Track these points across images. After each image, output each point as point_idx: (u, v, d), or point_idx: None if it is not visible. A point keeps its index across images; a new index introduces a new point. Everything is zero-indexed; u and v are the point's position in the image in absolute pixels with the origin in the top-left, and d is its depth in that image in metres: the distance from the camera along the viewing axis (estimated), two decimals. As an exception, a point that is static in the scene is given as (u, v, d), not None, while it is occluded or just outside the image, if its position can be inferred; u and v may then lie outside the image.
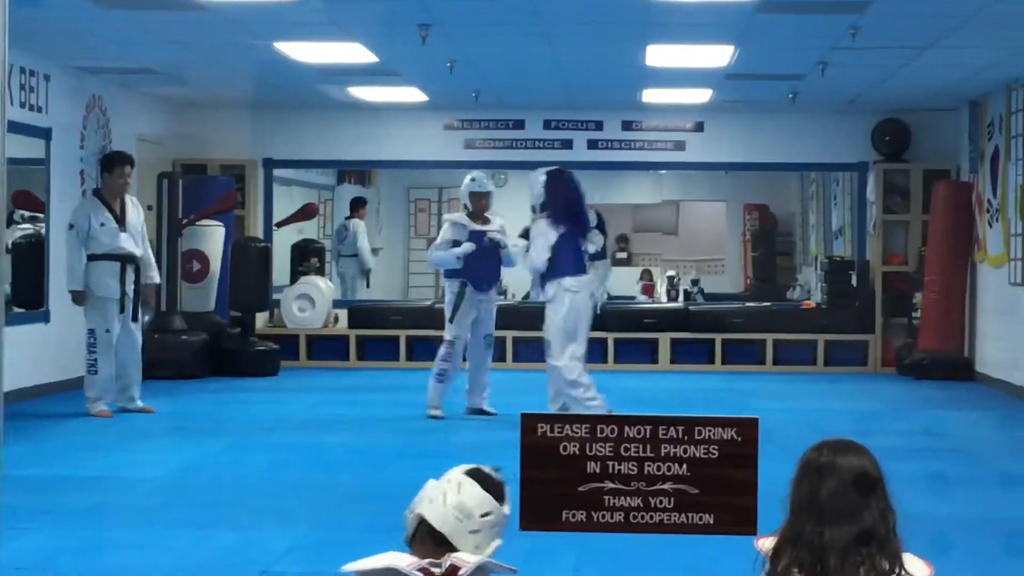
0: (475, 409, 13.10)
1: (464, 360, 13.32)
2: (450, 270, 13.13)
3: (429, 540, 4.02)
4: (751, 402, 14.51)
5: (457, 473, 4.06)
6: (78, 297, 12.80)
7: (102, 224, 12.78)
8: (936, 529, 7.51)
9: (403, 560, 3.92)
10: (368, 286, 21.78)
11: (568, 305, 11.95)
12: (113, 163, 13.10)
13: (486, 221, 13.14)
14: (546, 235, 12.05)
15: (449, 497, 3.99)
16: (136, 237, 13.03)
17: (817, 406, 14.36)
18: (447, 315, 13.13)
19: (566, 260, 12.04)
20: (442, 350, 13.08)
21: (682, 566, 6.87)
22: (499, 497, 4.01)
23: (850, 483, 3.82)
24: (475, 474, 4.05)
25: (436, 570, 3.89)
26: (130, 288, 12.91)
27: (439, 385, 13.01)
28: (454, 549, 3.98)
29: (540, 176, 12.31)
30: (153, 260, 13.41)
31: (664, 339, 17.94)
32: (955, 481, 9.89)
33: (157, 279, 13.47)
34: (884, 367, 17.87)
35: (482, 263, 13.04)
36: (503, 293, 14.50)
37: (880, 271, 18.20)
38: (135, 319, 13.03)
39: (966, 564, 6.97)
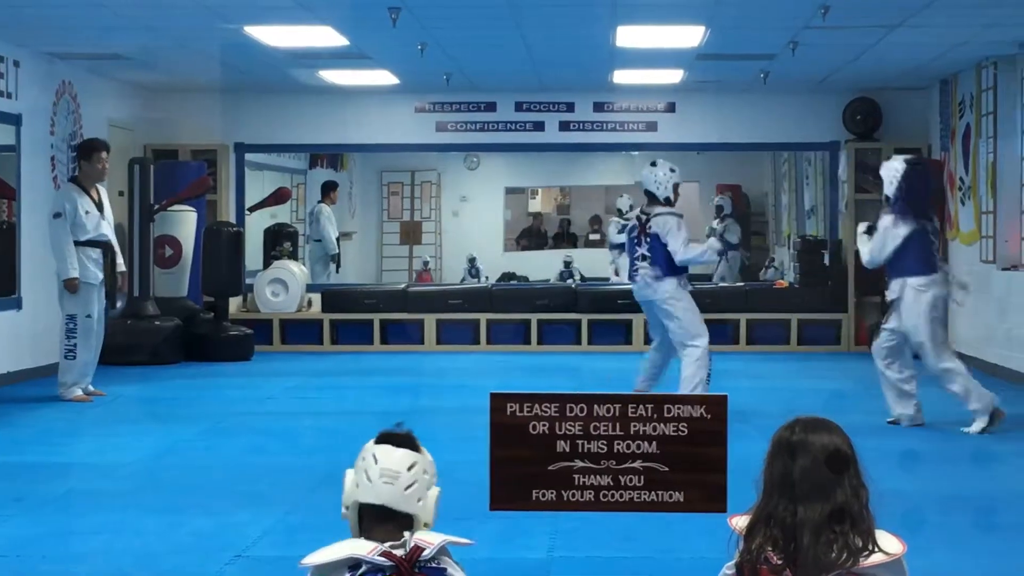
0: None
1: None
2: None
3: (377, 522, 4.01)
4: (724, 381, 14.45)
5: (367, 448, 4.07)
6: (72, 285, 12.64)
7: (87, 212, 12.72)
8: (909, 506, 7.55)
9: (363, 547, 3.92)
10: (337, 271, 21.72)
11: (923, 304, 11.14)
12: (91, 150, 13.01)
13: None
14: (888, 233, 11.20)
15: (371, 471, 4.00)
16: (111, 225, 13.01)
17: (790, 385, 14.40)
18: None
19: (914, 257, 11.23)
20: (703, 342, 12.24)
21: (656, 545, 6.87)
22: (414, 446, 4.05)
23: (822, 461, 3.84)
24: (383, 438, 4.08)
25: (398, 551, 3.89)
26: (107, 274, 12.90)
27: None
28: (405, 523, 3.98)
29: (899, 165, 11.37)
30: (118, 248, 13.34)
31: (638, 320, 17.91)
32: (927, 458, 9.93)
33: (123, 268, 13.41)
34: (857, 346, 17.90)
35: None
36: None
37: (852, 250, 18.18)
38: (113, 305, 13.01)
39: (938, 540, 6.99)
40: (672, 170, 12.23)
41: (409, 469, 4.00)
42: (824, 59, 15.42)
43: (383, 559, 3.87)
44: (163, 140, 18.36)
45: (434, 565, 3.92)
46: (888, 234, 11.22)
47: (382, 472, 3.98)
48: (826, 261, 18.54)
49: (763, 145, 19.95)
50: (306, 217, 22.52)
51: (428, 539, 3.94)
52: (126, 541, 7.23)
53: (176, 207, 16.69)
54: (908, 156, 11.88)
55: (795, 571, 3.77)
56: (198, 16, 12.80)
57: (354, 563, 3.89)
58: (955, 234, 16.70)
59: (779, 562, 3.78)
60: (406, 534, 3.95)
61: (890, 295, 11.36)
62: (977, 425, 10.94)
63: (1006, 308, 14.95)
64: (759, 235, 25.85)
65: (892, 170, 11.35)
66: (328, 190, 21.68)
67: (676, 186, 12.26)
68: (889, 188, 11.32)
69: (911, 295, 11.18)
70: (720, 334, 17.99)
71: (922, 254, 11.32)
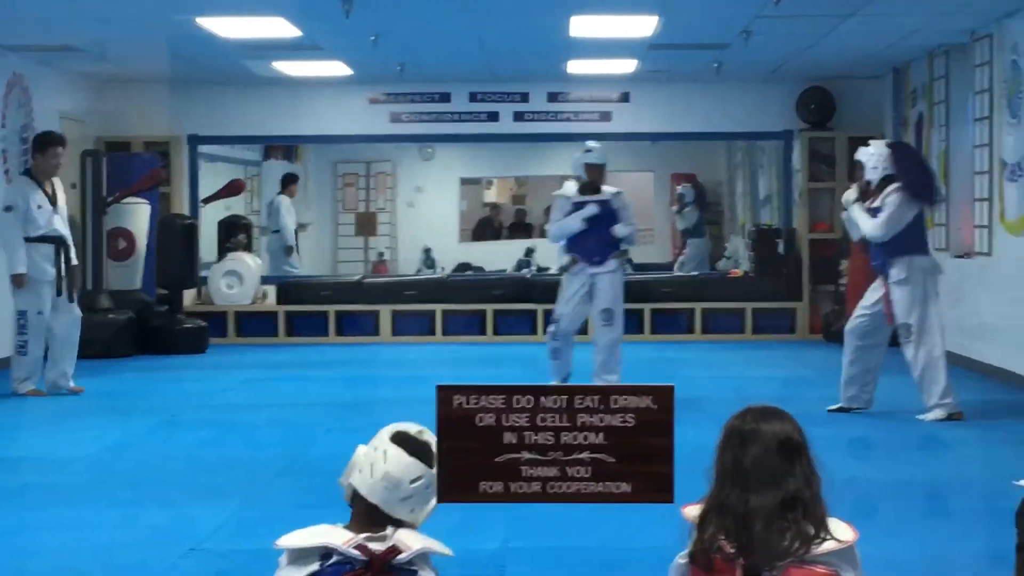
0: None
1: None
2: (565, 244, 12.51)
3: (364, 511, 4.01)
4: (680, 371, 14.58)
5: (384, 439, 4.04)
6: (19, 280, 12.49)
7: (39, 206, 12.55)
8: (860, 493, 7.59)
9: (339, 537, 3.90)
10: (298, 264, 21.66)
11: (917, 284, 11.06)
12: (46, 143, 12.82)
13: (598, 193, 12.44)
14: (906, 208, 11.03)
15: (376, 468, 3.98)
16: (65, 218, 12.90)
17: (745, 373, 14.44)
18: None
19: (918, 237, 11.20)
20: (550, 327, 12.62)
21: (610, 534, 6.89)
22: (427, 459, 4.00)
23: (774, 449, 3.85)
24: (400, 439, 4.04)
25: (374, 545, 3.88)
26: (63, 269, 12.74)
27: (552, 363, 12.44)
28: (392, 521, 3.97)
29: (880, 148, 11.30)
30: (71, 242, 13.13)
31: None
32: (878, 444, 9.99)
33: (75, 262, 13.26)
34: (812, 334, 17.98)
35: (589, 234, 12.38)
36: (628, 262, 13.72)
37: (807, 238, 18.30)
38: (71, 299, 12.87)
39: (889, 527, 7.03)
40: (587, 150, 12.51)
41: (412, 482, 3.98)
42: (777, 48, 15.47)
43: (356, 552, 3.86)
44: (115, 132, 18.27)
45: (408, 567, 3.92)
46: (902, 211, 11.02)
47: (386, 475, 3.97)
48: (781, 250, 18.60)
49: (717, 135, 19.99)
50: (264, 208, 22.44)
51: (408, 542, 3.93)
52: (81, 535, 7.20)
53: (129, 199, 16.61)
54: (885, 140, 11.85)
55: (748, 560, 3.78)
56: (149, 7, 12.74)
57: (326, 551, 3.88)
58: (908, 222, 16.76)
59: (732, 551, 3.79)
60: (389, 529, 3.94)
61: (893, 276, 11.13)
62: (934, 415, 10.96)
63: (959, 296, 15.02)
64: (714, 224, 25.89)
65: (874, 155, 11.25)
66: (288, 182, 21.60)
67: (587, 165, 12.44)
68: (873, 173, 11.21)
69: (919, 276, 11.09)
70: (675, 323, 18.11)
71: (923, 234, 11.38)
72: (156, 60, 16.34)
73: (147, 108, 18.43)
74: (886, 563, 5.72)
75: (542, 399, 3.82)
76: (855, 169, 11.68)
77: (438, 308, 18.26)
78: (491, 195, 27.91)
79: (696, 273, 20.09)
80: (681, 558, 3.92)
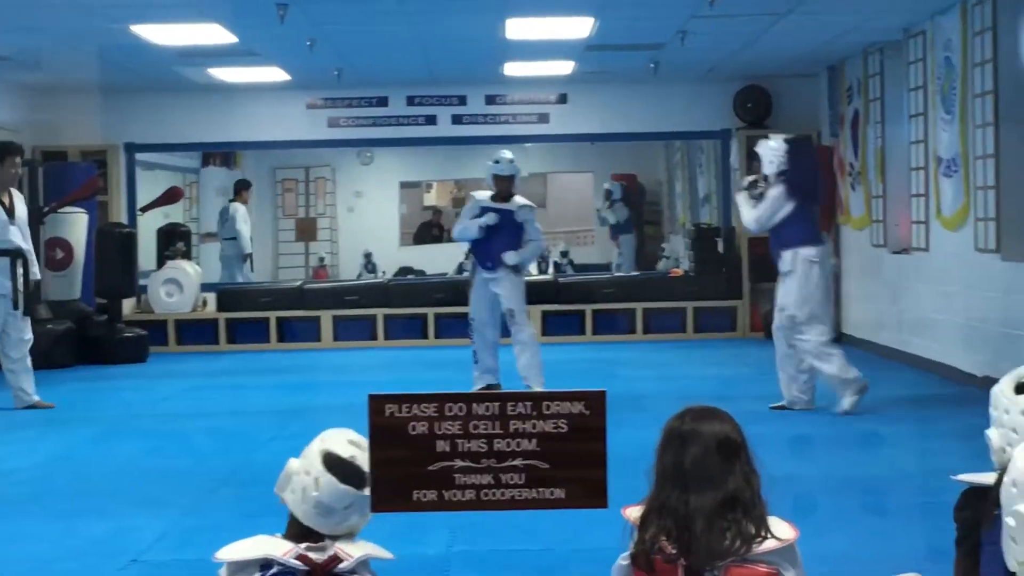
0: (527, 386, 12.33)
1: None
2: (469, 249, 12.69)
3: (299, 523, 3.99)
4: (621, 371, 14.61)
5: (315, 463, 3.99)
6: None
7: None
8: (800, 491, 7.63)
9: (278, 548, 3.89)
10: (252, 270, 21.67)
11: (807, 275, 11.22)
12: (3, 153, 12.51)
13: (507, 202, 12.63)
14: (781, 202, 11.25)
15: (308, 495, 3.95)
16: (24, 231, 12.60)
17: (687, 373, 14.49)
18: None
19: (804, 229, 11.34)
20: (469, 329, 12.76)
21: (554, 537, 6.90)
22: (359, 482, 3.96)
23: (713, 449, 3.86)
24: (332, 463, 3.99)
25: (314, 555, 3.87)
26: (20, 283, 12.28)
27: (475, 364, 12.64)
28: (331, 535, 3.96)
29: (779, 144, 11.47)
30: (34, 256, 12.79)
31: (535, 311, 17.90)
32: (817, 442, 10.03)
33: (38, 275, 12.96)
34: (753, 332, 18.06)
35: (487, 242, 12.52)
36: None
37: (746, 237, 18.33)
38: (26, 314, 12.54)
39: (829, 524, 7.06)
40: (496, 161, 12.66)
41: (346, 507, 3.96)
42: (713, 48, 15.52)
43: (298, 563, 3.84)
44: (51, 142, 18.15)
45: (348, 574, 3.90)
46: (778, 203, 11.27)
47: (318, 503, 3.94)
48: (720, 249, 18.66)
49: (655, 135, 20.04)
50: (218, 216, 22.38)
51: (349, 550, 3.91)
52: (20, 548, 7.14)
53: (66, 209, 16.50)
54: (786, 135, 11.96)
55: (689, 560, 3.79)
56: (80, 16, 12.66)
57: (267, 562, 3.86)
58: (846, 219, 16.88)
59: (673, 551, 3.80)
60: (327, 540, 3.92)
61: (783, 267, 11.36)
62: (848, 401, 11.03)
63: (897, 292, 15.13)
64: (654, 224, 25.98)
65: (771, 149, 11.44)
66: (240, 189, 21.65)
67: (494, 176, 12.64)
68: (770, 167, 11.39)
69: (804, 267, 11.24)
70: (616, 324, 18.15)
71: (811, 226, 11.46)
72: (91, 69, 16.22)
73: (83, 117, 18.29)
74: (827, 560, 5.75)
75: (474, 406, 3.81)
76: (752, 161, 11.87)
77: (379, 313, 18.24)
78: (431, 198, 27.90)
79: (637, 273, 20.12)
80: (623, 559, 3.92)
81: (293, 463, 4.05)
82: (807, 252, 11.27)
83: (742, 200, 11.64)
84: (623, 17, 13.53)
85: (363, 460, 3.96)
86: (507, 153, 12.79)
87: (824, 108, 17.86)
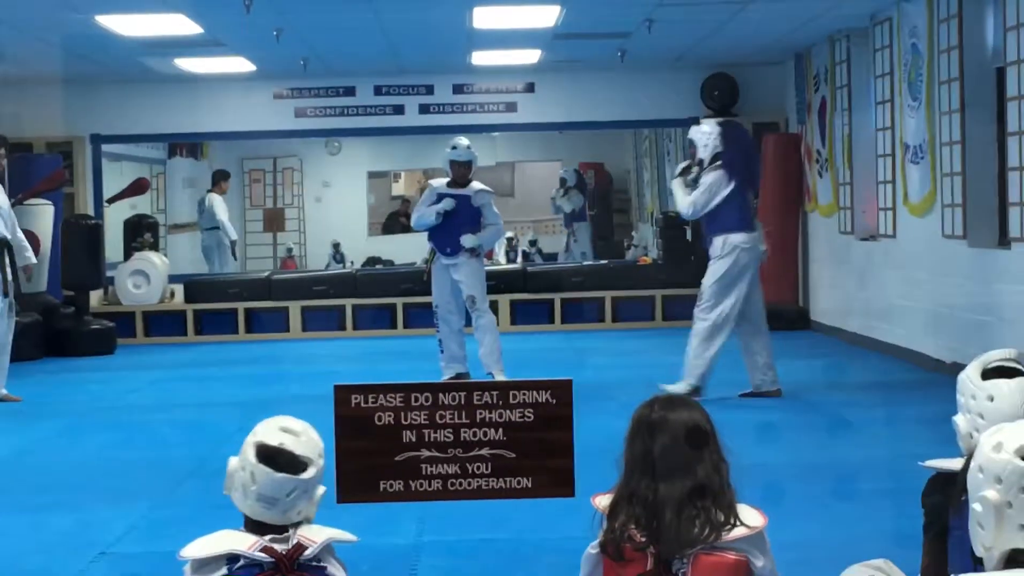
0: (488, 374, 12.48)
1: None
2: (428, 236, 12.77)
3: (257, 521, 3.97)
4: (590, 360, 14.61)
5: (249, 457, 3.96)
6: None
7: None
8: (769, 478, 7.63)
9: (243, 542, 3.87)
10: (236, 258, 21.71)
11: (734, 261, 11.29)
12: None
13: (464, 188, 12.70)
14: (718, 186, 11.28)
15: (248, 491, 3.92)
16: (6, 220, 12.49)
17: (656, 361, 14.44)
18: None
19: (736, 215, 11.36)
20: (434, 318, 12.78)
21: (523, 526, 6.89)
22: (295, 468, 3.93)
23: (682, 438, 3.86)
24: (264, 455, 3.96)
25: (278, 546, 3.85)
26: (8, 272, 12.23)
27: (440, 354, 12.69)
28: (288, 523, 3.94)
29: (712, 127, 11.55)
30: (25, 241, 12.75)
31: (503, 300, 17.93)
32: (786, 428, 10.05)
33: (33, 260, 12.94)
34: (721, 320, 18.06)
35: (445, 228, 12.55)
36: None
37: (714, 225, 18.37)
38: (10, 305, 12.44)
39: (798, 510, 7.09)
40: (453, 147, 12.77)
41: (288, 495, 3.93)
42: (680, 36, 15.52)
43: (263, 555, 3.82)
44: (16, 133, 18.00)
45: (315, 563, 3.89)
46: (715, 189, 11.34)
47: (259, 496, 3.91)
48: (688, 237, 18.68)
49: (623, 123, 20.04)
50: (197, 207, 22.36)
51: (312, 536, 3.89)
52: (-13, 542, 7.12)
53: (32, 201, 16.40)
54: (719, 119, 12.01)
55: (658, 548, 3.79)
56: (45, 6, 12.59)
57: (232, 556, 3.84)
58: (814, 206, 16.91)
59: (643, 540, 3.80)
60: (290, 530, 3.90)
61: (712, 252, 11.44)
62: (678, 386, 10.92)
63: (865, 279, 15.17)
64: (623, 212, 26.00)
65: (704, 134, 11.53)
66: (219, 179, 21.72)
67: (451, 162, 12.75)
68: (704, 151, 11.47)
69: (732, 253, 11.32)
70: (586, 312, 18.15)
71: (744, 212, 11.49)
72: (56, 60, 16.13)
73: (48, 108, 18.20)
74: (796, 546, 5.76)
75: (440, 396, 3.81)
76: (688, 147, 11.91)
77: (348, 303, 18.20)
78: (399, 188, 27.87)
79: (605, 261, 20.11)
80: (592, 548, 3.93)
81: (232, 461, 4.02)
82: (737, 238, 11.34)
83: (676, 186, 11.71)
84: (589, 5, 13.52)
85: (295, 444, 3.94)
86: (463, 140, 12.88)
87: (791, 95, 17.88)
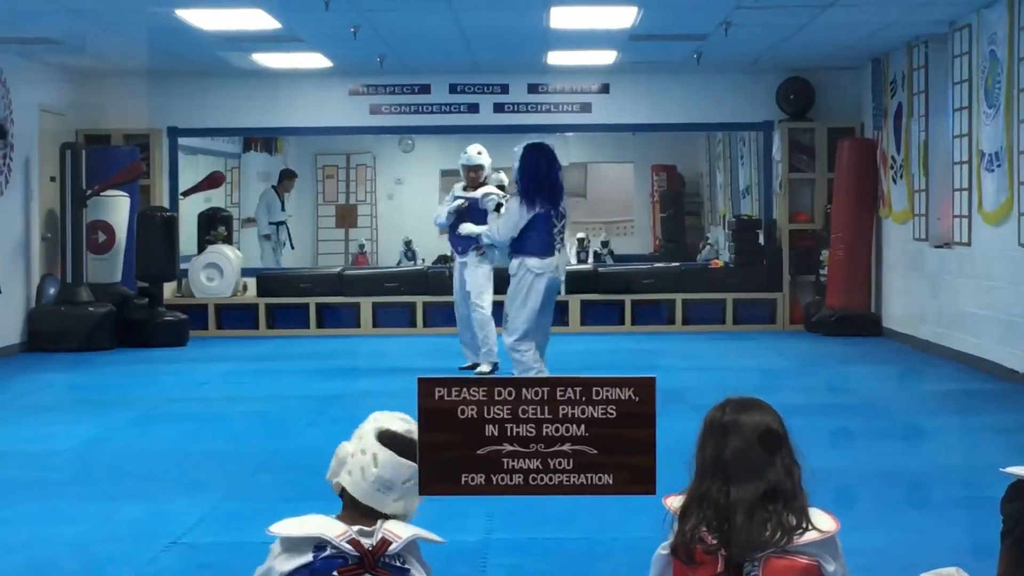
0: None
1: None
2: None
3: (354, 505, 3.97)
4: (661, 362, 14.57)
5: (370, 440, 3.99)
6: None
7: None
8: (841, 483, 7.60)
9: (332, 529, 3.86)
10: (278, 252, 21.91)
11: (528, 285, 11.75)
12: None
13: (476, 191, 13.47)
14: (517, 212, 11.77)
15: (367, 472, 3.93)
16: None
17: (726, 364, 14.44)
18: None
19: (534, 240, 11.79)
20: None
21: (592, 525, 6.90)
22: (414, 455, 3.95)
23: (754, 441, 3.84)
24: (387, 439, 3.99)
25: (366, 540, 3.85)
26: None
27: (463, 347, 13.88)
28: (383, 515, 3.94)
29: (518, 150, 11.99)
30: None
31: (574, 301, 17.95)
32: (859, 435, 9.98)
33: None
34: (792, 325, 18.01)
35: (456, 228, 13.54)
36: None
37: (787, 229, 18.31)
38: None
39: (870, 516, 7.05)
40: (464, 153, 13.74)
41: (405, 482, 3.95)
42: (757, 39, 15.46)
43: (350, 547, 3.82)
44: (95, 125, 18.21)
45: (398, 564, 3.88)
46: (513, 218, 11.79)
47: (378, 479, 3.92)
48: (761, 240, 18.61)
49: (697, 126, 19.96)
50: (259, 199, 22.59)
51: (397, 532, 3.89)
52: (59, 530, 7.18)
53: (109, 192, 16.57)
54: (529, 141, 12.24)
55: (729, 551, 3.78)
56: (126, 0, 12.68)
57: (320, 543, 3.85)
58: (888, 213, 16.80)
59: (714, 542, 3.79)
60: (379, 522, 3.91)
61: (510, 270, 11.91)
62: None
63: (938, 286, 15.06)
64: (694, 215, 25.91)
65: (514, 155, 11.93)
66: (284, 178, 22.17)
67: (462, 167, 13.75)
68: (514, 174, 11.97)
69: (527, 276, 11.76)
70: (656, 315, 18.13)
71: (543, 236, 11.82)
72: (135, 52, 16.27)
73: (127, 101, 18.34)
74: (867, 552, 5.73)
75: (523, 391, 3.80)
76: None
77: (419, 300, 18.24)
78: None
79: (677, 264, 20.06)
80: (663, 549, 3.91)
81: (345, 446, 4.03)
82: (531, 263, 11.78)
83: (490, 214, 12.48)
84: (667, 7, 13.50)
85: (414, 440, 3.96)
86: (475, 146, 13.79)
87: (867, 101, 17.77)
